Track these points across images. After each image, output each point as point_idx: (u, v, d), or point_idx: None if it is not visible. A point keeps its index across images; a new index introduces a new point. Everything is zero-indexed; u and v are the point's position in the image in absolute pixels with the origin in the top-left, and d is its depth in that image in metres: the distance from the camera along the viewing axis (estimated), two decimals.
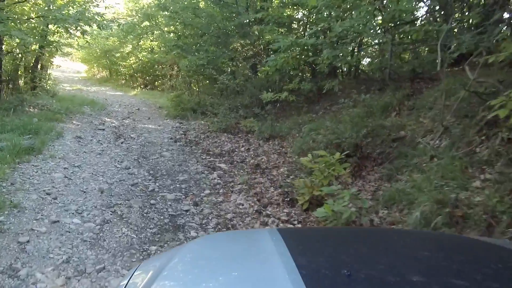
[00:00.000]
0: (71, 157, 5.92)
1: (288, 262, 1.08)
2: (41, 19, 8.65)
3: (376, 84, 7.82)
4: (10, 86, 10.21)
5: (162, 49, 18.96)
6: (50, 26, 10.77)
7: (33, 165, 5.19)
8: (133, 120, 10.24)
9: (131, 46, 19.66)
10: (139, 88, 19.82)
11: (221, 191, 5.14)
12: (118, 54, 19.84)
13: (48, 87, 13.91)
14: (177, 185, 5.22)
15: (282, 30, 9.63)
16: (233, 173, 5.94)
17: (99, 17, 9.77)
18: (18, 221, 3.62)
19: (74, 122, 8.84)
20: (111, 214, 4.07)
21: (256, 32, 9.75)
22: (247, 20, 10.19)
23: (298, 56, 7.49)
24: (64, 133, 7.32)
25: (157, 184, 5.22)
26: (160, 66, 18.69)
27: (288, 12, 10.01)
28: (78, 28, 9.26)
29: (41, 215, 3.81)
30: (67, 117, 9.11)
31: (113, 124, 9.37)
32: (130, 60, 19.93)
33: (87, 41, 16.22)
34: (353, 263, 1.17)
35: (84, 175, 5.17)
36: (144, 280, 1.24)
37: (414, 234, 2.00)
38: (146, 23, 18.43)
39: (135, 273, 1.36)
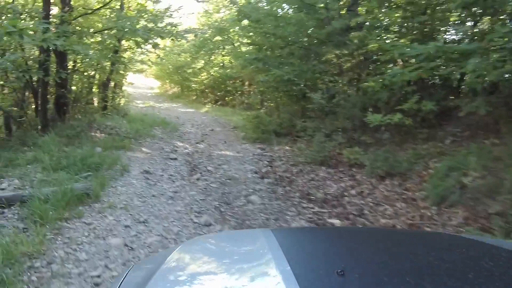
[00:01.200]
0: (136, 206, 4.45)
1: (282, 262, 1.07)
2: (110, 31, 7.60)
3: None
4: (78, 105, 9.38)
5: (234, 63, 17.86)
6: (122, 42, 10.04)
7: (84, 222, 3.76)
8: (208, 145, 8.84)
9: (203, 62, 18.81)
10: (209, 104, 18.87)
11: None
12: (189, 70, 19.09)
13: (120, 105, 13.27)
14: None
15: (393, 36, 7.63)
16: None
17: (173, 27, 8.59)
18: None
19: (143, 149, 7.60)
20: None
21: (356, 40, 7.86)
22: (343, 26, 8.34)
23: (433, 67, 5.44)
24: (130, 166, 6.01)
25: None
26: (232, 82, 17.54)
27: (398, 14, 7.98)
28: (150, 41, 8.16)
29: None
30: (136, 142, 7.93)
31: (186, 151, 8.01)
32: (201, 76, 19.08)
33: (159, 56, 15.58)
34: (346, 262, 1.16)
35: (150, 240, 3.63)
36: (137, 280, 1.21)
37: (408, 234, 2.01)
38: (218, 37, 17.45)
39: (129, 273, 1.33)
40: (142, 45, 9.15)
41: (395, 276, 1.06)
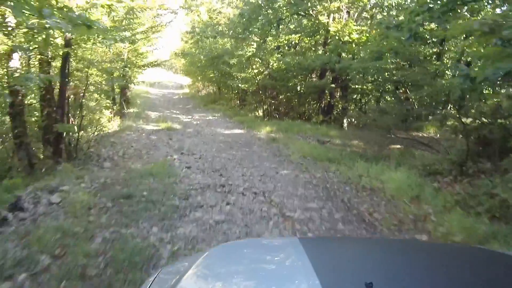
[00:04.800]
0: None
1: (309, 272, 1.04)
2: None
3: None
4: None
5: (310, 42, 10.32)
6: None
7: None
8: None
9: (253, 46, 11.33)
10: (267, 115, 11.48)
11: None
12: (233, 60, 11.67)
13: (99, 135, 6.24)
14: None
15: None
16: None
17: None
18: None
19: None
20: None
21: None
22: None
23: None
24: None
25: None
26: (308, 76, 10.03)
27: None
28: None
29: None
30: None
31: None
32: (252, 69, 11.60)
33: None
34: (375, 274, 1.11)
35: None
36: (166, 284, 1.22)
37: (437, 246, 1.95)
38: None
39: (157, 277, 1.33)
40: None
41: None
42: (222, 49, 14.08)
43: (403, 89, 10.53)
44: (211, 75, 16.48)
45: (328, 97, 11.09)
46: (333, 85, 10.06)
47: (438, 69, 7.77)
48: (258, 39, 11.21)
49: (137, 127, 8.84)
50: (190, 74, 21.37)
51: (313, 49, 11.16)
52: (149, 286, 1.25)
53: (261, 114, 12.29)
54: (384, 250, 1.47)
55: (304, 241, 1.43)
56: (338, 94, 11.59)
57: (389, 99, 11.04)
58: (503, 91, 6.00)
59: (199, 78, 19.80)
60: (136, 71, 13.16)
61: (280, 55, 10.58)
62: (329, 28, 10.06)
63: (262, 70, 11.27)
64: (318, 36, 10.67)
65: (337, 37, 9.99)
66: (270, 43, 11.31)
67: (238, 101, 15.25)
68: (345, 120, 12.66)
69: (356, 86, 10.03)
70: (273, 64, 10.65)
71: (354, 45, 10.21)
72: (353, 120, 13.02)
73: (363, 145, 8.19)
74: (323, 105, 11.26)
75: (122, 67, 9.68)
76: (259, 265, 1.31)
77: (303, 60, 9.45)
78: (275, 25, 9.98)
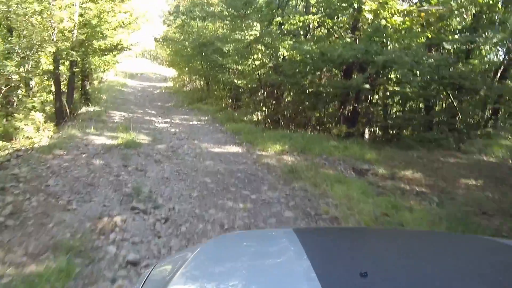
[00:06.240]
0: None
1: (304, 262, 1.05)
2: None
3: None
4: None
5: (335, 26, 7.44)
6: None
7: None
8: None
9: (257, 29, 8.30)
10: (270, 121, 8.54)
11: None
12: (227, 47, 8.60)
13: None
14: None
15: None
16: None
17: None
18: None
19: None
20: None
21: None
22: None
23: None
24: None
25: None
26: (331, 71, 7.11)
27: None
28: None
29: None
30: None
31: None
32: (252, 60, 8.56)
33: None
34: (370, 263, 1.11)
35: None
36: (161, 278, 1.21)
37: (431, 235, 1.89)
38: None
39: (152, 272, 1.32)
40: None
41: (419, 278, 1.02)
42: (213, 35, 11.06)
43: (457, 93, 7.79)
44: (198, 67, 13.43)
45: (354, 101, 8.22)
46: (367, 86, 7.17)
47: None
48: (262, 21, 8.20)
49: (81, 141, 5.80)
50: (175, 65, 18.23)
51: (336, 36, 8.22)
52: (145, 280, 1.23)
53: (260, 118, 9.35)
54: (378, 239, 1.43)
55: (298, 232, 1.38)
56: (364, 98, 8.75)
57: (437, 108, 8.25)
58: None
59: (185, 70, 16.68)
60: (101, 58, 10.06)
61: (292, 42, 7.60)
62: (362, 7, 7.17)
63: (266, 62, 8.27)
64: (345, 17, 7.76)
65: (374, 20, 7.13)
66: (277, 25, 8.32)
67: (230, 101, 12.24)
68: (367, 131, 9.86)
69: (397, 89, 7.16)
70: (282, 53, 7.68)
71: (393, 32, 7.37)
72: (377, 131, 10.23)
73: (427, 179, 5.32)
74: (346, 112, 8.39)
75: (67, 49, 6.61)
76: (254, 256, 1.28)
77: (332, 48, 6.51)
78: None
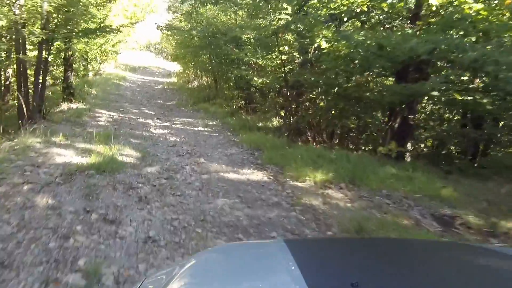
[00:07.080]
0: None
1: (295, 274, 1.02)
2: None
3: None
4: None
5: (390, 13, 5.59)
6: None
7: None
8: None
9: (289, 10, 6.42)
10: (293, 133, 6.67)
11: None
12: (248, 35, 6.72)
13: None
14: None
15: None
16: None
17: None
18: None
19: None
20: None
21: None
22: None
23: None
24: None
25: None
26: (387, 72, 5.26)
27: None
28: None
29: None
30: None
31: None
32: (278, 54, 6.66)
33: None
34: (361, 274, 1.08)
35: None
36: None
37: (422, 244, 1.84)
38: None
39: (143, 284, 1.29)
40: None
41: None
42: (225, 25, 9.19)
43: None
44: (206, 63, 11.55)
45: (406, 111, 6.33)
46: (435, 93, 5.27)
47: None
48: (293, 3, 6.31)
49: (35, 157, 3.95)
50: (179, 58, 16.33)
51: (387, 26, 6.33)
52: None
53: (282, 126, 7.47)
54: (369, 249, 1.41)
55: (290, 243, 1.36)
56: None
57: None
58: None
59: (191, 64, 14.78)
60: (88, 44, 8.21)
61: (334, 31, 5.71)
62: None
63: (296, 56, 6.38)
64: (402, 3, 5.87)
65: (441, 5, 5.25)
66: (312, 10, 6.42)
67: (242, 102, 10.35)
68: (409, 146, 7.97)
69: (485, 100, 5.24)
70: (320, 45, 5.79)
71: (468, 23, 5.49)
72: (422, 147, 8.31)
73: None
74: (396, 125, 6.50)
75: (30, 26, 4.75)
76: (245, 268, 1.25)
77: (399, 40, 4.63)
78: None
